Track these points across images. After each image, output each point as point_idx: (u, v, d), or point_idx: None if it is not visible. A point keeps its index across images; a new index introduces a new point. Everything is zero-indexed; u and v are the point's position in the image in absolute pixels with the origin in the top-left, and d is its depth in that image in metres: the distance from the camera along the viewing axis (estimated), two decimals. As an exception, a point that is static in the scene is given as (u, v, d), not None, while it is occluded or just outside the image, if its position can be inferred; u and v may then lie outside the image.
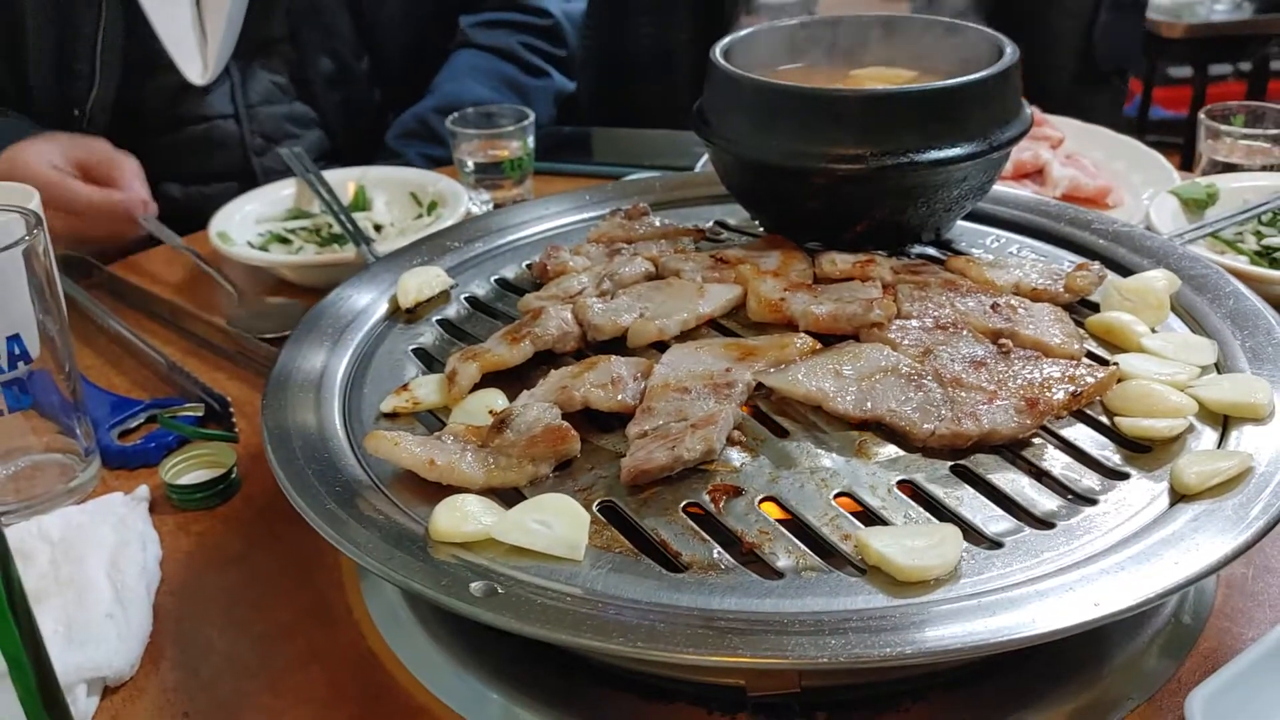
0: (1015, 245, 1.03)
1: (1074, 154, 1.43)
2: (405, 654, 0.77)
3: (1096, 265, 0.93)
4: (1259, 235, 1.20)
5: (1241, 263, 1.15)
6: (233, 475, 0.96)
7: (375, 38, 1.76)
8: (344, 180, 1.43)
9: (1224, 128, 1.33)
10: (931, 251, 1.01)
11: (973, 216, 1.06)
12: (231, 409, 1.04)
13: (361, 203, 1.41)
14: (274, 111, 1.72)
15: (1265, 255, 1.17)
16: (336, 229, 1.33)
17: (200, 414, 1.04)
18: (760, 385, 0.78)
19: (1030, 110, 1.00)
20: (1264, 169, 1.35)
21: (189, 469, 0.98)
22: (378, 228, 1.36)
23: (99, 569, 0.84)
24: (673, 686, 0.71)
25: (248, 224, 1.36)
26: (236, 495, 0.96)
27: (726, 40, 1.01)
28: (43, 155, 1.37)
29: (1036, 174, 1.41)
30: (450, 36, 1.84)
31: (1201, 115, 1.35)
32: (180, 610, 0.85)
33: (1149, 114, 4.74)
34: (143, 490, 0.95)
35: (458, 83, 1.75)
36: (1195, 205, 1.24)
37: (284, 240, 1.34)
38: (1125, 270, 0.96)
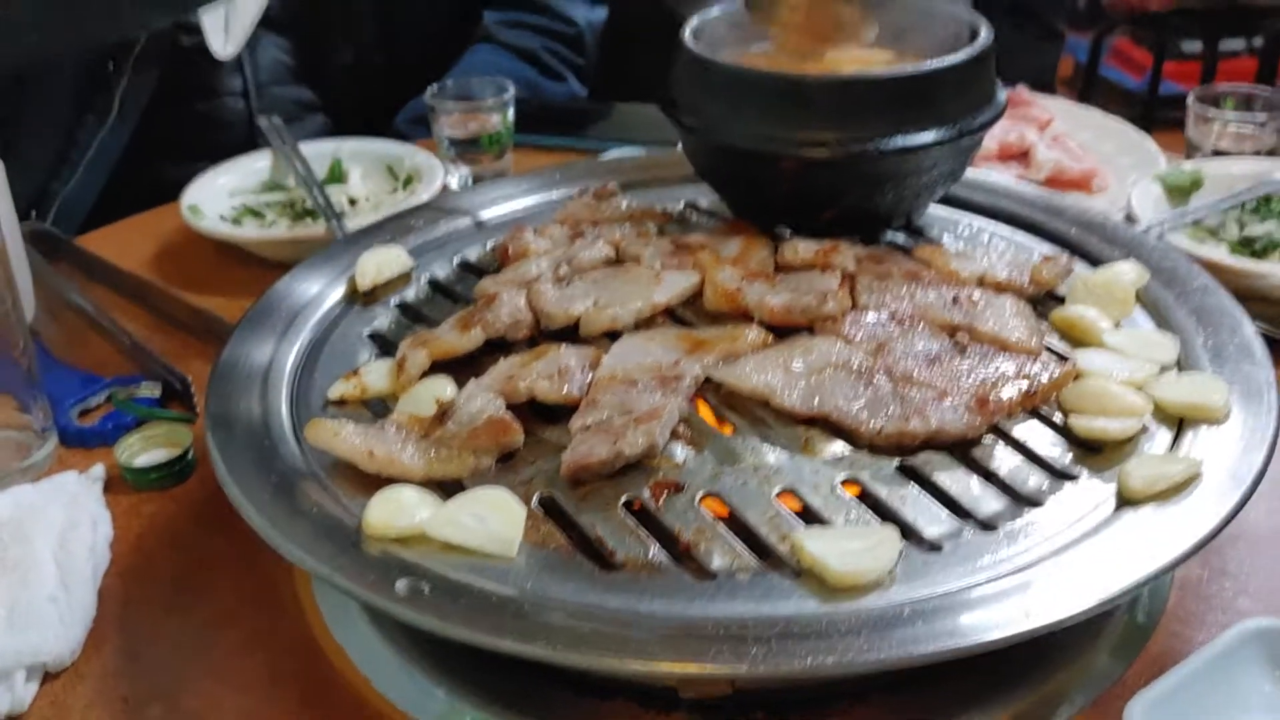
0: (987, 233, 1.01)
1: (1061, 135, 1.41)
2: (349, 644, 0.77)
3: (1064, 258, 0.91)
4: (1241, 224, 1.18)
5: (1221, 252, 1.13)
6: (189, 456, 0.95)
7: (398, 30, 1.75)
8: (321, 154, 1.41)
9: (1212, 111, 1.31)
10: (901, 239, 0.99)
11: (947, 201, 1.04)
12: (192, 388, 1.04)
13: (337, 175, 1.39)
14: (283, 93, 1.71)
15: (1246, 245, 1.14)
16: (311, 203, 1.32)
17: (158, 394, 1.03)
18: (709, 379, 0.77)
19: (1005, 94, 0.98)
20: (1255, 155, 1.33)
21: (145, 449, 0.97)
22: (352, 201, 1.34)
23: (46, 550, 0.84)
24: (612, 684, 0.70)
25: (221, 197, 1.34)
26: (192, 476, 0.96)
27: (696, 20, 0.99)
28: None
29: (1022, 156, 1.39)
30: (470, 30, 1.83)
31: (1190, 99, 1.33)
32: (127, 593, 0.84)
33: (1159, 89, 4.70)
34: (98, 470, 0.94)
35: (474, 75, 1.74)
36: (1179, 192, 1.22)
37: (258, 214, 1.33)
38: (1095, 260, 0.94)
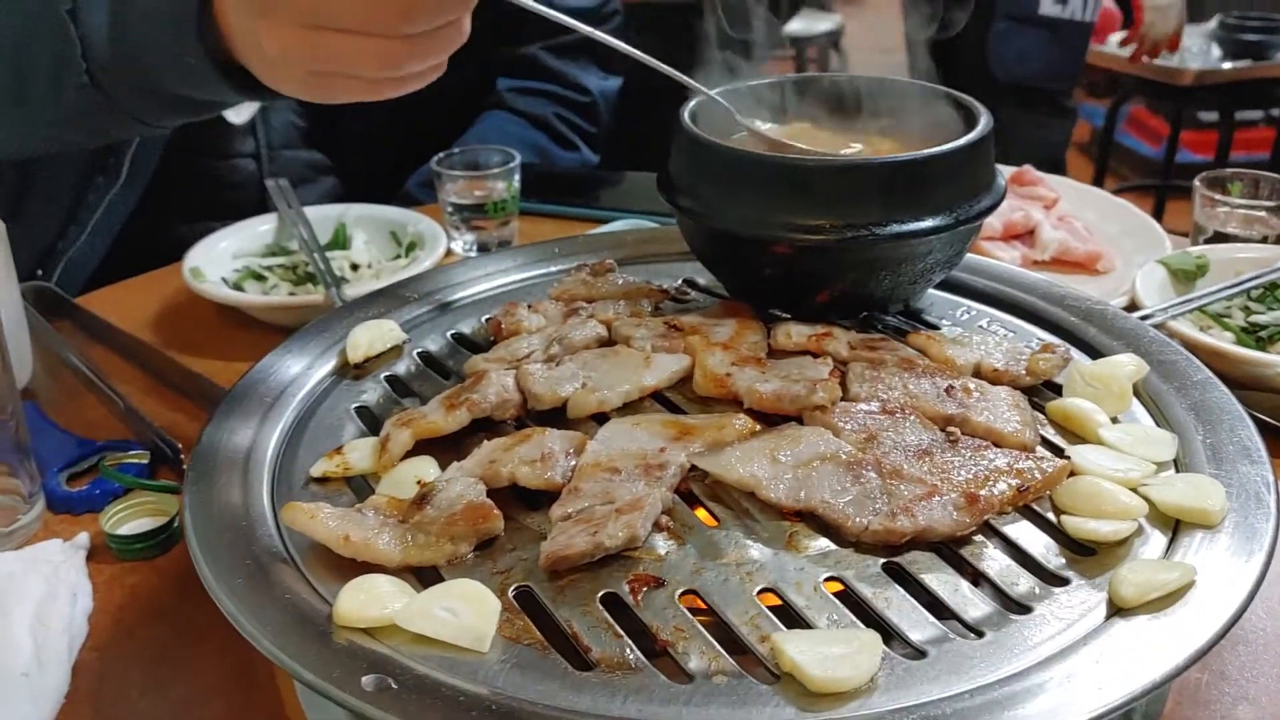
0: (986, 319, 1.00)
1: (1067, 215, 1.40)
2: (322, 728, 0.75)
3: (1062, 348, 0.90)
4: (1247, 311, 1.16)
5: (1226, 340, 1.12)
6: (174, 525, 0.95)
7: (412, 96, 1.76)
8: (327, 217, 1.41)
9: (1219, 197, 1.30)
10: (897, 322, 0.98)
11: (945, 286, 1.03)
12: (183, 455, 1.03)
13: (341, 240, 1.40)
14: (294, 156, 1.72)
15: (1251, 333, 1.13)
16: (312, 267, 1.32)
17: (147, 460, 1.02)
18: (694, 467, 0.76)
19: (1011, 173, 0.98)
20: (1263, 240, 1.32)
21: (132, 517, 0.96)
22: (354, 267, 1.35)
23: (23, 624, 0.83)
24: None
25: (224, 259, 1.35)
26: (177, 546, 0.95)
27: (694, 101, 0.99)
28: None
29: (1027, 235, 1.38)
30: (483, 96, 1.84)
31: (1197, 183, 1.32)
32: (103, 668, 0.83)
33: (1175, 157, 4.71)
34: (82, 538, 0.94)
35: (486, 142, 1.74)
36: (1184, 276, 1.21)
37: (260, 277, 1.33)
38: (1094, 351, 0.93)
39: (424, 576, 0.70)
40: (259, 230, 1.40)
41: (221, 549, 0.71)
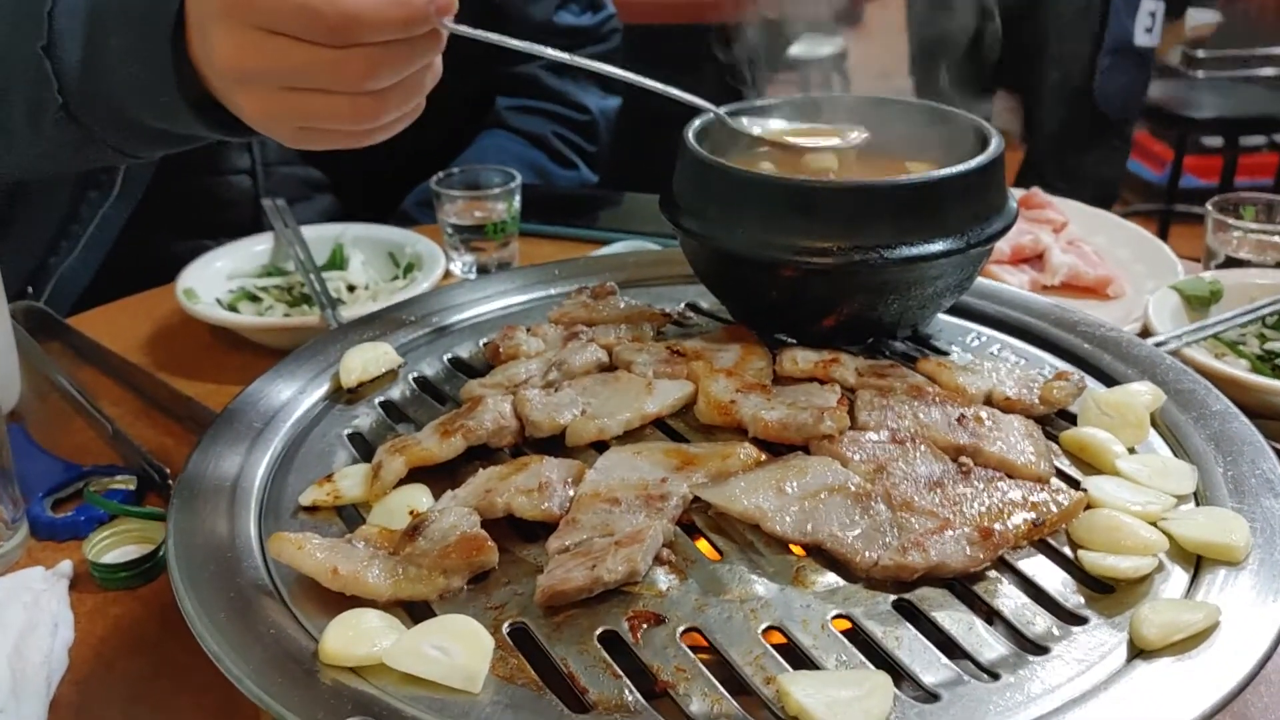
0: (997, 345, 0.97)
1: (1076, 239, 1.38)
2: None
3: (1076, 376, 0.87)
4: (1262, 338, 1.14)
5: (1241, 368, 1.09)
6: (160, 553, 0.92)
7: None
8: (325, 237, 1.39)
9: (1232, 221, 1.28)
10: (905, 348, 0.96)
11: (955, 311, 1.01)
12: (170, 480, 1.00)
13: (338, 261, 1.37)
14: (290, 172, 1.70)
15: (1267, 360, 1.10)
16: (308, 289, 1.29)
17: (134, 486, 0.99)
18: (697, 498, 0.73)
19: (1015, 204, 0.95)
20: (1276, 265, 1.29)
21: (117, 545, 0.93)
22: (351, 288, 1.32)
23: (1, 655, 0.80)
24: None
25: (218, 279, 1.32)
26: (163, 575, 0.92)
27: (699, 120, 0.97)
28: None
29: (1036, 259, 1.36)
30: (482, 115, 1.83)
31: (1209, 207, 1.30)
32: (81, 702, 0.80)
33: (1179, 182, 4.69)
34: (65, 566, 0.91)
35: (485, 161, 1.73)
36: (1198, 302, 1.18)
37: (255, 298, 1.31)
38: (1109, 379, 0.90)
39: (415, 611, 0.68)
40: (254, 250, 1.38)
41: (205, 581, 0.68)
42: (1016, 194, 1.46)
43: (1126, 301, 1.28)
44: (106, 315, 1.38)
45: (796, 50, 4.73)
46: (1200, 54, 5.44)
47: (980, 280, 1.01)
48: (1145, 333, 1.14)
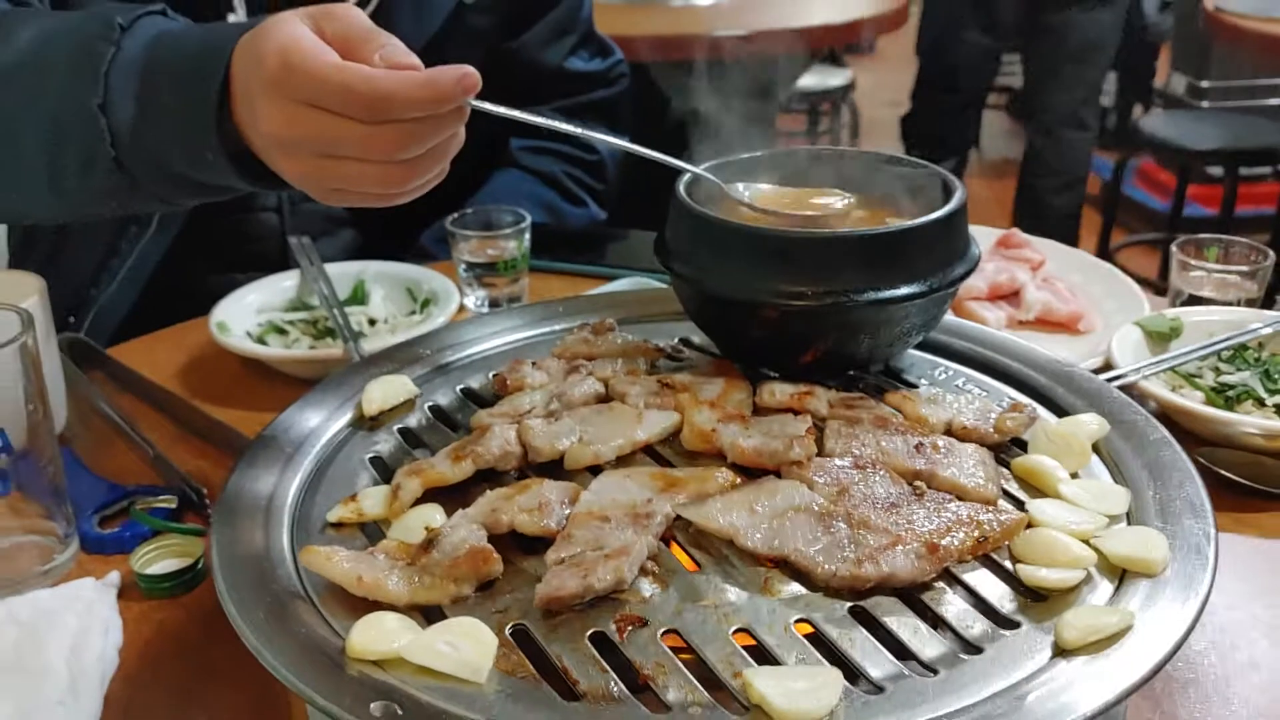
0: (962, 378, 1.06)
1: (1050, 277, 1.47)
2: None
3: (1029, 408, 0.96)
4: (1217, 371, 1.22)
5: (1196, 400, 1.18)
6: (199, 566, 1.01)
7: None
8: (347, 274, 1.49)
9: (1194, 261, 1.36)
10: (878, 381, 1.05)
11: (925, 347, 1.10)
12: (208, 500, 1.10)
13: (360, 296, 1.47)
14: (314, 209, 1.79)
15: (1221, 392, 1.19)
16: (332, 322, 1.39)
17: (175, 505, 1.09)
18: (679, 516, 0.82)
19: (978, 249, 1.04)
20: (1237, 303, 1.38)
21: (160, 558, 1.03)
22: (371, 322, 1.42)
23: (59, 655, 0.89)
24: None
25: (248, 314, 1.42)
26: (202, 585, 1.01)
27: (689, 175, 1.06)
28: (311, 41, 0.89)
29: (1013, 295, 1.45)
30: (496, 155, 1.93)
31: (1174, 248, 1.39)
32: (131, 697, 0.89)
33: (1183, 212, 4.77)
34: (113, 576, 1.00)
35: (499, 199, 1.82)
36: (1159, 338, 1.27)
37: (282, 331, 1.41)
38: (1060, 410, 0.99)
39: (429, 614, 0.77)
40: (282, 286, 1.48)
41: (245, 587, 0.77)
42: (996, 234, 1.55)
43: (1095, 336, 1.36)
44: (144, 346, 1.48)
45: (805, 83, 4.84)
46: (1205, 84, 5.53)
47: (950, 318, 1.10)
48: (1109, 365, 1.23)
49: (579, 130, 1.00)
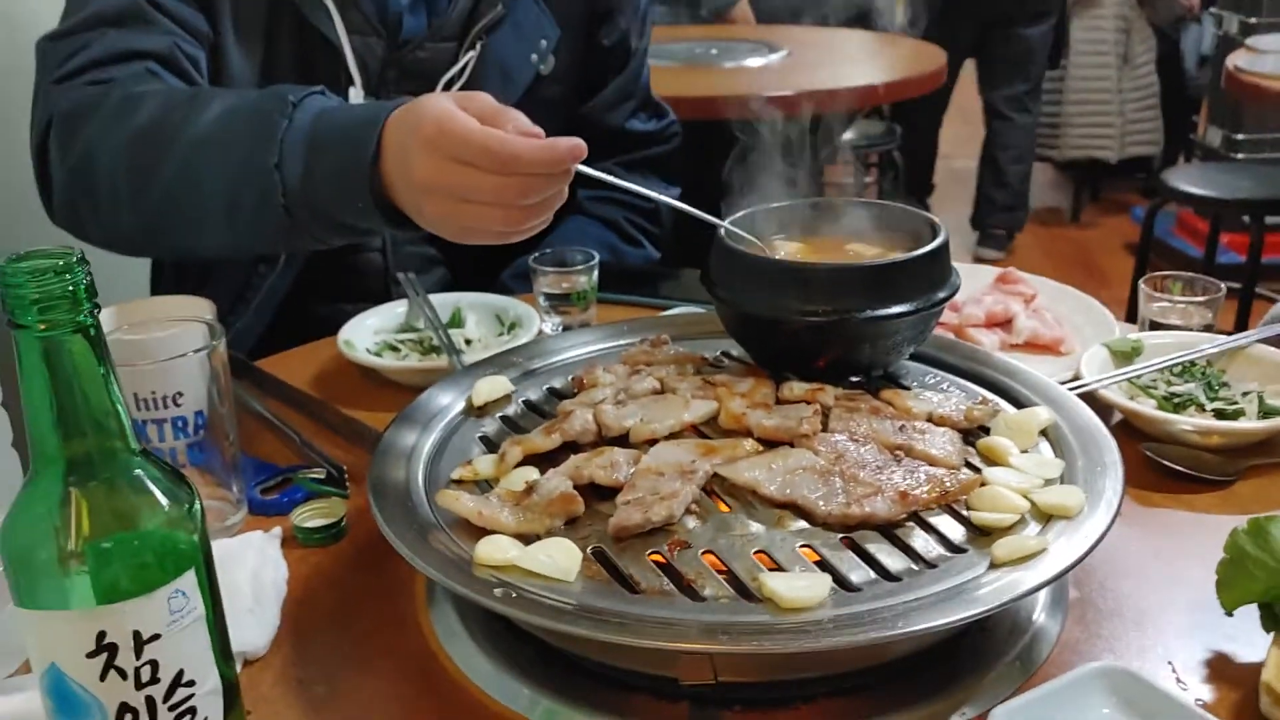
0: (946, 382, 1.33)
1: (1040, 308, 1.72)
2: (455, 653, 1.08)
3: (993, 401, 1.22)
4: (1168, 383, 1.47)
5: (1148, 406, 1.43)
6: (342, 524, 1.29)
7: None
8: (445, 303, 1.79)
9: (1156, 294, 1.62)
10: (878, 384, 1.32)
11: (922, 359, 1.36)
12: (346, 474, 1.38)
13: (457, 321, 1.76)
14: (414, 250, 2.07)
15: (1169, 400, 1.44)
16: (436, 341, 1.69)
17: (321, 477, 1.38)
18: (716, 474, 1.09)
19: (959, 278, 1.31)
20: (1202, 330, 1.62)
21: (311, 517, 1.31)
22: (468, 341, 1.71)
23: (245, 580, 1.17)
24: (634, 680, 1.01)
25: (368, 334, 1.72)
26: (345, 539, 1.30)
27: (731, 217, 1.34)
28: (460, 111, 1.20)
29: (1006, 323, 1.70)
30: (566, 205, 2.21)
31: (1141, 284, 1.64)
32: (298, 614, 1.17)
33: (1216, 258, 4.96)
34: (276, 530, 1.28)
35: (569, 241, 2.09)
36: (1122, 356, 1.52)
37: (394, 349, 1.70)
38: (1020, 405, 1.25)
39: (529, 541, 1.04)
40: (395, 312, 1.77)
41: (396, 517, 1.05)
42: (995, 271, 1.81)
43: (1074, 356, 1.61)
44: (278, 361, 1.77)
45: (849, 136, 5.12)
46: (1240, 137, 5.73)
47: (950, 339, 1.37)
48: (1078, 378, 1.48)
49: (644, 190, 1.28)
